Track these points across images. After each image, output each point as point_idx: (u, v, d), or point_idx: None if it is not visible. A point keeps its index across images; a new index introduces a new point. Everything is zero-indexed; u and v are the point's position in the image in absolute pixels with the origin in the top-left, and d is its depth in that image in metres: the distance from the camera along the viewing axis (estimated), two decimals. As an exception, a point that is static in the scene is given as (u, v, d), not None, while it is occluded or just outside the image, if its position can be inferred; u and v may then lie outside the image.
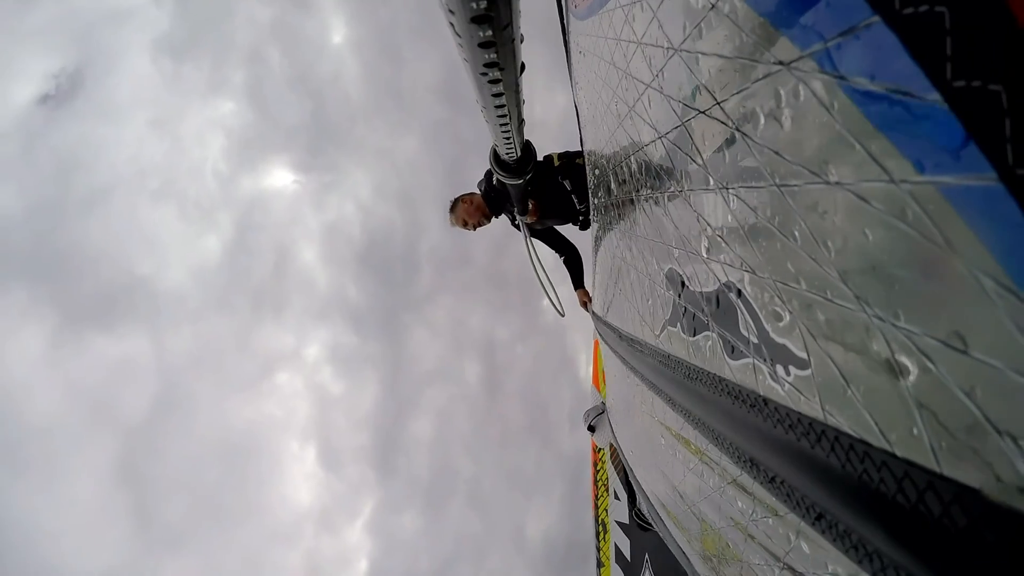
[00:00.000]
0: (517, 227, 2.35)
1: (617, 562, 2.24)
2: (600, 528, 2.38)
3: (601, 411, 2.36)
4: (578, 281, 2.51)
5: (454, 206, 2.32)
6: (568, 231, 2.52)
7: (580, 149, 2.19)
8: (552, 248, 2.49)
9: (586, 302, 2.48)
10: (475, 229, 2.33)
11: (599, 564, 2.36)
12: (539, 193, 2.23)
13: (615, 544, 2.26)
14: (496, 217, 2.36)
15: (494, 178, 2.18)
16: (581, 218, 2.33)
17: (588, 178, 1.81)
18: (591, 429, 2.33)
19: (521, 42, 0.49)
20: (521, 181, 1.24)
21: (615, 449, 2.29)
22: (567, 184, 2.24)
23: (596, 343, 2.55)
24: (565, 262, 2.49)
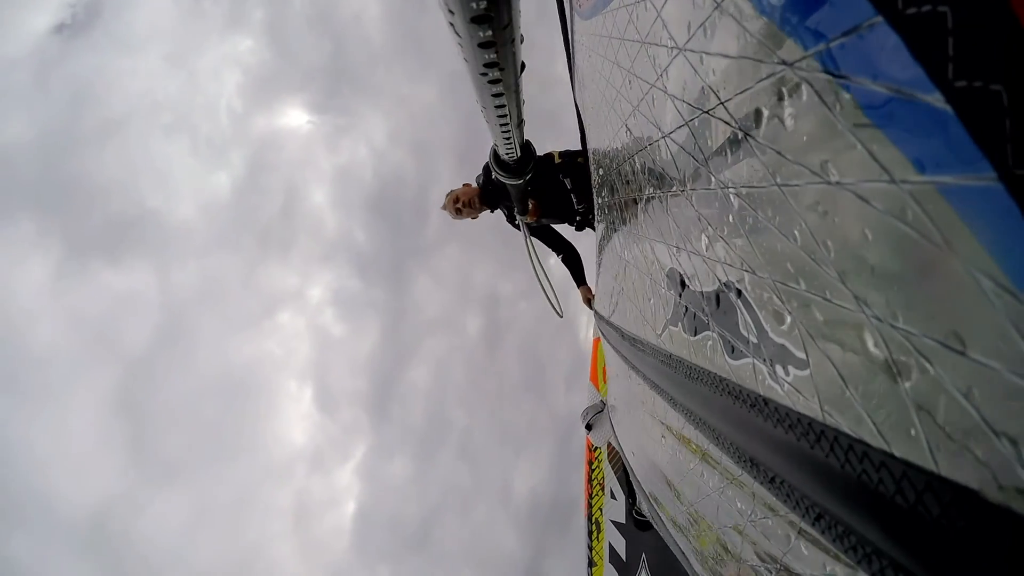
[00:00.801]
0: (516, 226, 2.33)
1: (611, 562, 2.21)
2: (593, 527, 2.34)
3: (600, 409, 2.34)
4: (580, 278, 2.47)
5: (451, 192, 2.29)
6: (564, 231, 2.49)
7: (580, 148, 2.18)
8: (549, 247, 2.45)
9: (589, 299, 2.45)
10: (460, 214, 2.26)
11: (591, 564, 2.32)
12: (539, 191, 2.20)
13: (609, 543, 2.23)
14: (491, 211, 2.32)
15: (492, 174, 2.17)
16: (578, 218, 2.30)
17: (592, 177, 1.81)
18: (589, 428, 2.31)
19: (521, 42, 0.49)
20: (521, 181, 1.23)
21: (613, 448, 2.28)
22: (567, 182, 2.21)
23: (596, 341, 2.53)
24: (563, 260, 2.45)
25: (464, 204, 2.25)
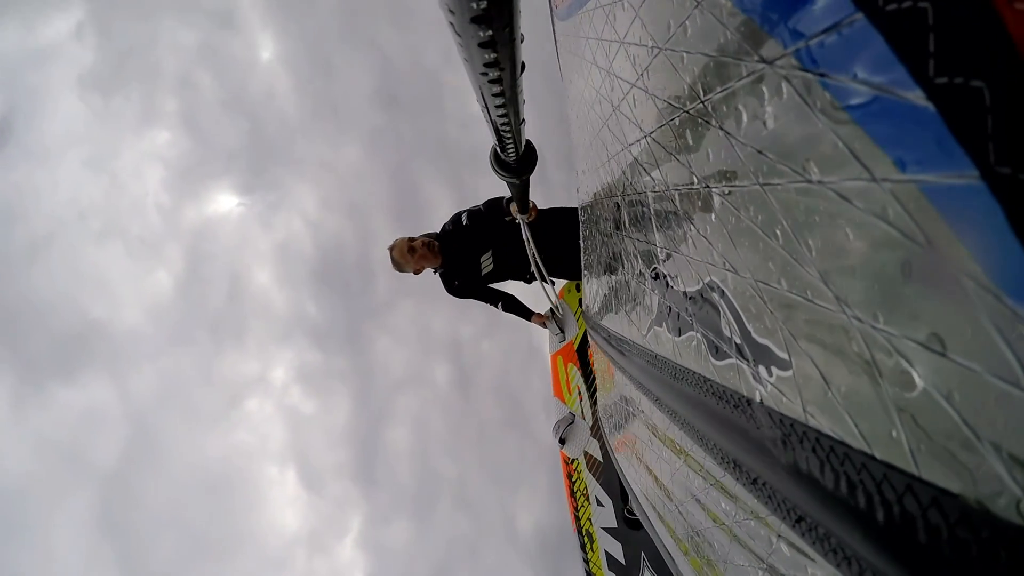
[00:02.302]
0: (454, 293, 2.34)
1: (611, 569, 2.19)
2: (586, 539, 2.31)
3: (571, 421, 2.35)
4: (526, 314, 2.51)
5: (393, 245, 2.27)
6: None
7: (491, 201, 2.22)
8: (488, 302, 2.45)
9: (542, 321, 2.52)
10: (414, 254, 2.23)
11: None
12: (500, 253, 2.26)
13: (605, 551, 2.21)
14: (437, 270, 2.31)
15: (464, 219, 2.22)
16: (529, 273, 2.34)
17: (577, 176, 1.81)
18: (562, 441, 2.31)
19: (521, 42, 0.48)
20: (520, 181, 1.24)
21: (591, 456, 2.29)
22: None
23: (554, 357, 2.55)
24: (504, 308, 2.46)
25: (422, 245, 2.22)
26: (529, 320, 2.52)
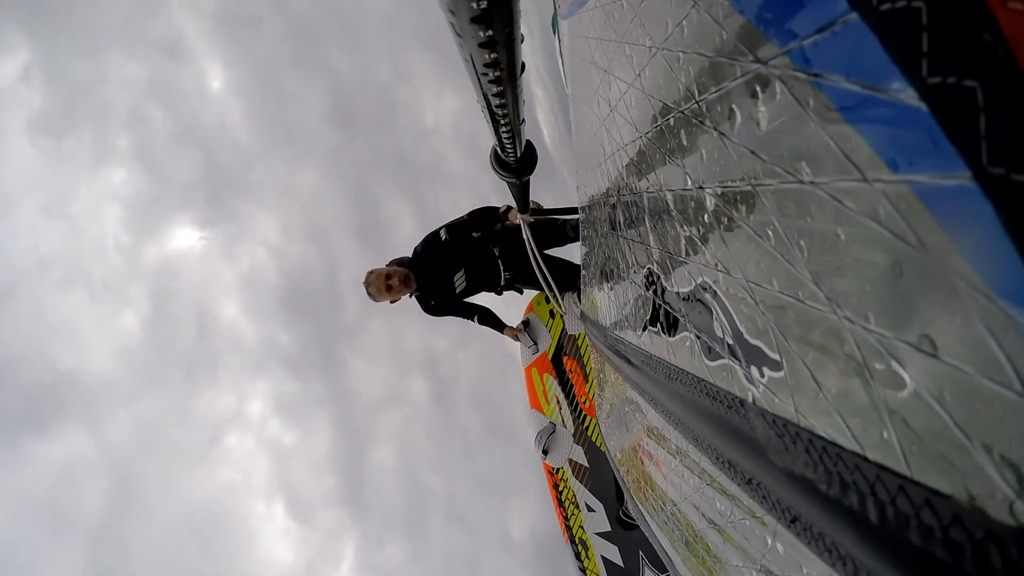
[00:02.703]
0: (431, 312, 2.38)
1: (609, 574, 2.16)
2: (580, 548, 2.28)
3: (552, 431, 2.34)
4: (500, 327, 2.56)
5: (368, 279, 2.29)
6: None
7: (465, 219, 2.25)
8: (463, 316, 2.50)
9: (515, 334, 2.57)
10: (391, 291, 2.26)
11: None
12: (470, 267, 2.31)
13: (602, 556, 2.18)
14: (412, 294, 2.35)
15: (443, 234, 2.24)
16: (502, 283, 2.40)
17: (577, 175, 1.81)
18: (545, 452, 2.30)
19: (521, 42, 0.48)
20: (520, 181, 1.24)
21: (576, 463, 2.27)
22: (496, 251, 2.31)
23: (528, 370, 2.55)
24: (479, 321, 2.52)
25: (399, 280, 2.24)
26: (502, 332, 2.57)
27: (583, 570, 2.27)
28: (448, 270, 2.32)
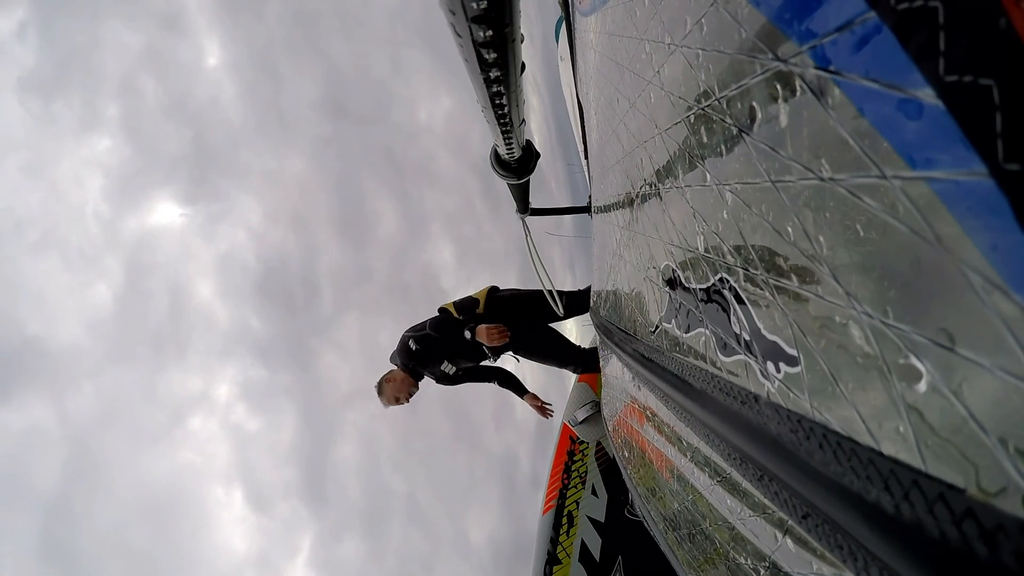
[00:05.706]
0: (447, 382, 2.45)
1: (581, 561, 2.08)
2: (564, 520, 2.17)
3: (596, 409, 2.33)
4: (521, 390, 2.58)
5: (381, 389, 2.41)
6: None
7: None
8: (482, 380, 2.56)
9: (540, 405, 2.56)
10: (408, 400, 2.43)
11: (553, 561, 2.11)
12: (454, 358, 2.37)
13: (582, 540, 2.11)
14: (420, 380, 2.45)
15: (412, 345, 2.28)
16: (489, 356, 2.44)
17: (589, 171, 1.80)
18: (579, 422, 2.29)
19: (521, 42, 0.48)
20: (520, 181, 1.25)
21: (602, 449, 2.25)
22: (469, 335, 2.34)
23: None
24: (500, 384, 2.57)
25: (407, 397, 2.40)
26: (522, 397, 2.59)
27: (553, 541, 2.16)
28: (433, 364, 2.40)
